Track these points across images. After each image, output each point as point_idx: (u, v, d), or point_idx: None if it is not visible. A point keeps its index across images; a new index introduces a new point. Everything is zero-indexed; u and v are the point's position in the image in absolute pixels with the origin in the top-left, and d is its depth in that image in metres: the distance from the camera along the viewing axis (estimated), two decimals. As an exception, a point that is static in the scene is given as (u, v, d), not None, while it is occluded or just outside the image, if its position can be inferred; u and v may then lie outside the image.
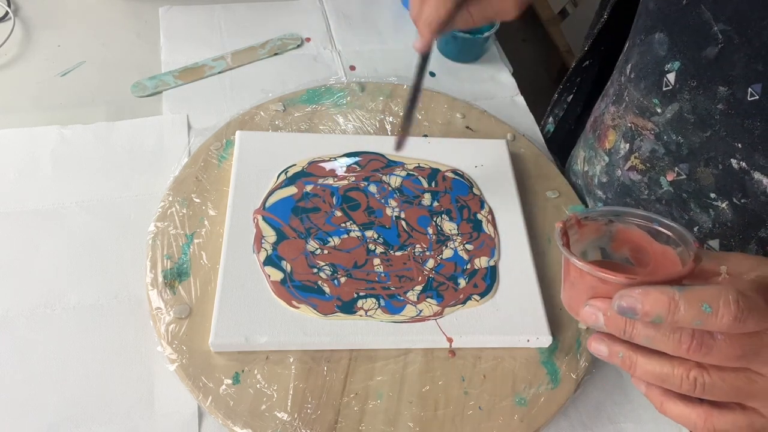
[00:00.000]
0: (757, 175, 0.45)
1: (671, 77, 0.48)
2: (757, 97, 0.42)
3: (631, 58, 0.53)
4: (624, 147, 0.55)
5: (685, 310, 0.28)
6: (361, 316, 0.49)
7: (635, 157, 0.54)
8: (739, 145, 0.45)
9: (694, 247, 0.32)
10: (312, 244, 0.52)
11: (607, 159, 0.58)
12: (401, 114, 0.66)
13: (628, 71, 0.54)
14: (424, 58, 0.49)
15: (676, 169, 0.50)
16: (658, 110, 0.50)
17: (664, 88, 0.49)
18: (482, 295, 0.51)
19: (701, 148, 0.48)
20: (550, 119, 0.76)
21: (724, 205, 0.48)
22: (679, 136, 0.49)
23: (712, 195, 0.49)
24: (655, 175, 0.53)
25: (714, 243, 0.51)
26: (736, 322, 0.28)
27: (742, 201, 0.47)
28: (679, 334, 0.29)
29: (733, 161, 0.46)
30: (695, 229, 0.51)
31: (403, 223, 0.55)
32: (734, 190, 0.47)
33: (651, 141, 0.52)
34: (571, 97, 0.72)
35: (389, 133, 0.64)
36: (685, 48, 0.46)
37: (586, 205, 0.62)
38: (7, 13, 0.71)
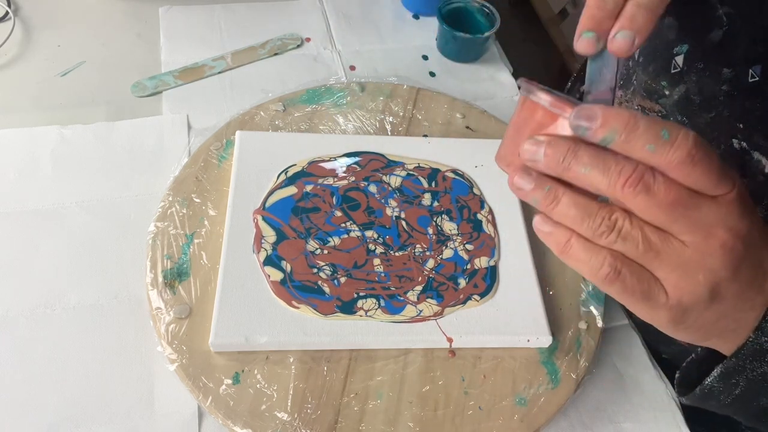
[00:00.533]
0: (756, 155, 0.45)
1: (679, 60, 0.48)
2: (757, 78, 0.42)
3: None
4: None
5: (643, 129, 0.27)
6: (361, 316, 0.49)
7: None
8: (741, 125, 0.45)
9: None
10: (312, 244, 0.52)
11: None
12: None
13: (636, 55, 0.54)
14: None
15: None
16: (666, 92, 0.50)
17: (673, 71, 0.49)
18: (482, 295, 0.51)
19: (705, 129, 0.48)
20: None
21: None
22: (685, 117, 0.49)
23: None
24: None
25: None
26: (688, 158, 0.27)
27: (743, 180, 0.47)
28: (622, 165, 0.28)
29: (735, 141, 0.46)
30: None
31: (403, 223, 0.55)
32: (734, 169, 0.47)
33: None
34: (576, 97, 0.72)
35: (389, 133, 0.64)
36: (692, 31, 0.46)
37: None
38: (7, 13, 0.71)
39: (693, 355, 0.40)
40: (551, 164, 0.30)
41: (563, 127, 0.31)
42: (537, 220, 0.31)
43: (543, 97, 0.31)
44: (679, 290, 0.30)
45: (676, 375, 0.41)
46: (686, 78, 0.48)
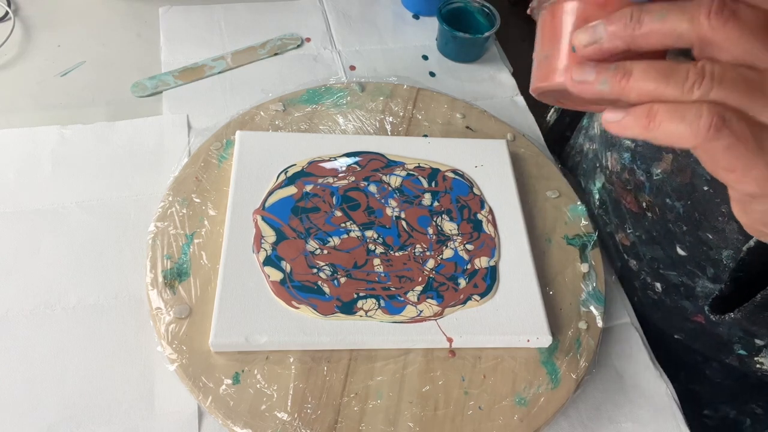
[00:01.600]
0: None
1: None
2: None
3: None
4: None
5: None
6: (361, 316, 0.49)
7: None
8: None
9: None
10: (312, 244, 0.52)
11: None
12: None
13: None
14: None
15: None
16: None
17: None
18: (482, 295, 0.51)
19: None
20: (552, 109, 0.75)
21: None
22: None
23: None
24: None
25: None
26: None
27: None
28: (698, 1, 0.24)
29: None
30: None
31: (403, 223, 0.55)
32: None
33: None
34: None
35: (389, 133, 0.64)
36: None
37: (586, 205, 0.62)
38: (7, 13, 0.71)
39: (723, 285, 0.38)
40: (618, 31, 0.26)
41: (609, 5, 0.27)
42: (606, 114, 0.27)
43: None
44: None
45: (708, 304, 0.39)
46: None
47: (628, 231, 0.58)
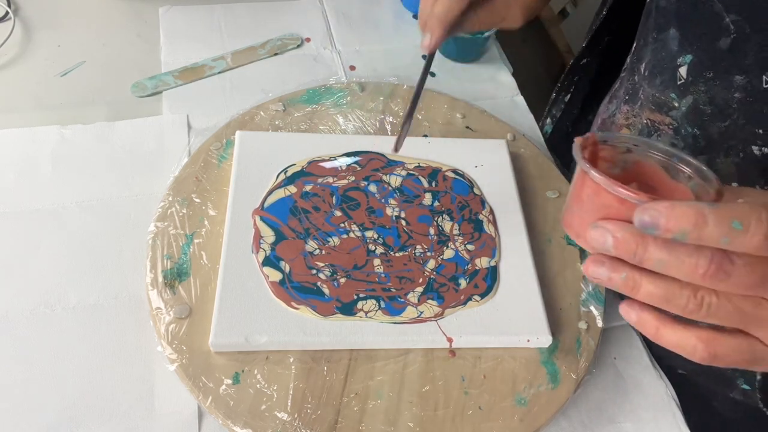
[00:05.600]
0: None
1: (683, 71, 0.48)
2: None
3: (644, 56, 0.54)
4: None
5: (713, 225, 0.26)
6: (360, 317, 0.49)
7: None
8: (760, 131, 0.44)
9: (715, 184, 0.31)
10: (311, 245, 0.52)
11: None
12: (402, 114, 0.65)
13: (642, 69, 0.54)
14: (430, 57, 0.50)
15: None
16: (676, 104, 0.50)
17: (679, 82, 0.49)
18: (483, 295, 0.51)
19: (720, 138, 0.47)
20: (548, 120, 0.75)
21: None
22: (695, 128, 0.49)
23: (734, 184, 0.48)
24: (690, 142, 0.52)
25: None
26: (766, 241, 0.26)
27: (765, 188, 0.47)
28: (696, 258, 0.27)
29: (755, 148, 0.45)
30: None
31: (404, 222, 0.55)
32: (756, 177, 0.47)
33: (670, 135, 0.52)
34: (568, 96, 0.72)
35: (389, 133, 0.64)
36: (697, 41, 0.46)
37: None
38: (7, 13, 0.71)
39: None
40: (623, 254, 0.29)
41: (629, 209, 0.29)
42: (623, 308, 0.31)
43: (598, 177, 0.30)
44: None
45: (758, 387, 0.42)
46: (693, 88, 0.48)
47: None
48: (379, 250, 0.53)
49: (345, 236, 0.53)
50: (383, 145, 0.60)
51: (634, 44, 0.56)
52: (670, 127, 0.51)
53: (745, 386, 0.54)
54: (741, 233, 0.26)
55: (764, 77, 0.42)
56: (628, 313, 0.31)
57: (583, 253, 0.57)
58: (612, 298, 0.57)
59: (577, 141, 0.34)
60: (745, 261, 0.27)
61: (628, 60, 0.58)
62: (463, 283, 0.52)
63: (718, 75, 0.45)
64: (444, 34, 0.47)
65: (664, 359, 0.55)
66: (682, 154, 0.33)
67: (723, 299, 0.28)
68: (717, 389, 0.57)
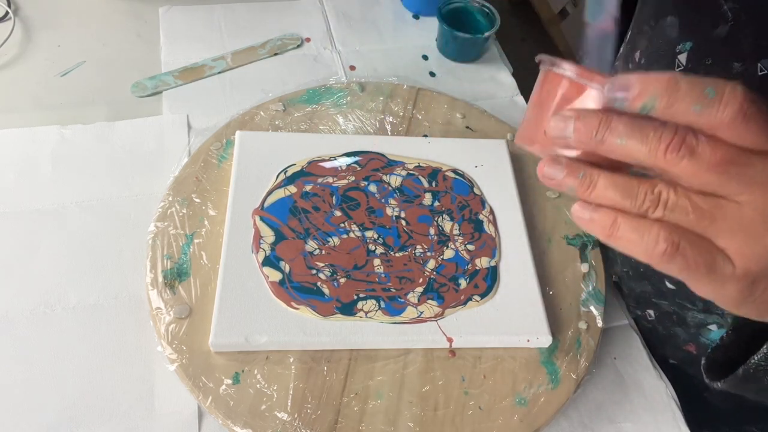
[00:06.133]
0: None
1: (682, 58, 0.48)
2: (767, 71, 0.42)
3: (639, 44, 0.54)
4: None
5: (685, 90, 0.25)
6: (360, 317, 0.49)
7: None
8: None
9: None
10: (311, 245, 0.52)
11: None
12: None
13: (636, 58, 0.54)
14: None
15: None
16: None
17: (677, 69, 0.48)
18: (483, 295, 0.51)
19: None
20: None
21: None
22: None
23: None
24: None
25: None
26: (740, 115, 0.24)
27: None
28: (661, 131, 0.26)
29: None
30: None
31: (403, 222, 0.55)
32: None
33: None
34: None
35: (389, 133, 0.64)
36: (696, 28, 0.46)
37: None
38: (7, 13, 0.71)
39: (720, 338, 0.38)
40: (583, 139, 0.28)
41: (591, 99, 0.29)
42: (576, 209, 0.29)
43: (568, 68, 0.29)
44: (745, 257, 0.27)
45: (702, 361, 0.39)
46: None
47: (617, 267, 0.59)
48: (379, 250, 0.53)
49: (345, 236, 0.53)
50: (383, 145, 0.60)
51: (629, 33, 0.56)
52: None
53: None
54: (714, 101, 0.25)
55: (759, 65, 0.42)
56: (581, 211, 0.29)
57: (582, 253, 0.57)
58: (612, 298, 0.57)
59: (539, 57, 0.33)
60: (711, 140, 0.25)
61: (622, 49, 0.58)
62: (463, 283, 0.52)
63: (717, 62, 0.45)
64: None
65: (657, 350, 0.55)
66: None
67: (681, 195, 0.27)
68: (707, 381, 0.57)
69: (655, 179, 0.27)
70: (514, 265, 0.54)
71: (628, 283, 0.58)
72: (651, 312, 0.56)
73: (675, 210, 0.27)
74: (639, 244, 0.27)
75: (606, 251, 0.59)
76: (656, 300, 0.55)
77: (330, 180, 0.57)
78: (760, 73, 0.42)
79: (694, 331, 0.53)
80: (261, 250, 0.51)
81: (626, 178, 0.27)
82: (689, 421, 0.51)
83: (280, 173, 0.56)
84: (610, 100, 0.27)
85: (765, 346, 0.33)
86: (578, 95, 0.29)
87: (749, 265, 0.27)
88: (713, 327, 0.51)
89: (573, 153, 0.30)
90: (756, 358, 0.33)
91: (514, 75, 0.76)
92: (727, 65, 0.45)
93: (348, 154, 0.59)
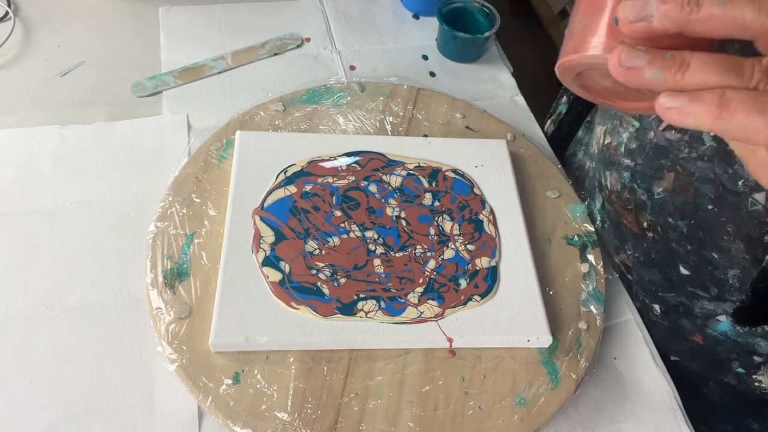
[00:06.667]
0: None
1: None
2: None
3: None
4: None
5: None
6: (361, 318, 0.49)
7: None
8: None
9: None
10: (311, 245, 0.52)
11: (637, 124, 0.55)
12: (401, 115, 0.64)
13: None
14: None
15: None
16: None
17: None
18: (483, 295, 0.51)
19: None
20: (563, 99, 0.73)
21: None
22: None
23: None
24: (697, 131, 0.47)
25: (759, 197, 0.46)
26: None
27: None
28: None
29: None
30: (740, 183, 0.45)
31: (404, 222, 0.55)
32: None
33: None
34: None
35: (389, 133, 0.64)
36: None
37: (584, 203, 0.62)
38: (7, 13, 0.71)
39: (742, 299, 0.36)
40: (672, 12, 0.23)
41: None
42: (663, 99, 0.24)
43: None
44: None
45: (731, 315, 0.38)
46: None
47: (629, 252, 0.58)
48: (379, 250, 0.53)
49: (345, 236, 0.53)
50: (383, 145, 0.60)
51: None
52: None
53: (740, 369, 0.53)
54: None
55: None
56: (673, 100, 0.24)
57: (583, 253, 0.57)
58: (612, 298, 0.57)
59: None
60: None
61: None
62: (463, 283, 0.52)
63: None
64: None
65: (658, 345, 0.55)
66: None
67: None
68: (710, 375, 0.57)
69: (759, 57, 0.23)
70: (514, 265, 0.54)
71: (638, 270, 0.57)
72: (657, 307, 0.56)
73: None
74: (760, 117, 0.22)
75: (613, 238, 0.59)
76: (663, 293, 0.55)
77: (330, 180, 0.57)
78: None
79: (701, 323, 0.53)
80: (261, 250, 0.51)
81: (725, 55, 0.23)
82: (688, 417, 0.51)
83: (280, 173, 0.56)
84: None
85: None
86: None
87: None
88: (722, 317, 0.51)
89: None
90: None
91: (514, 75, 0.76)
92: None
93: (348, 154, 0.59)
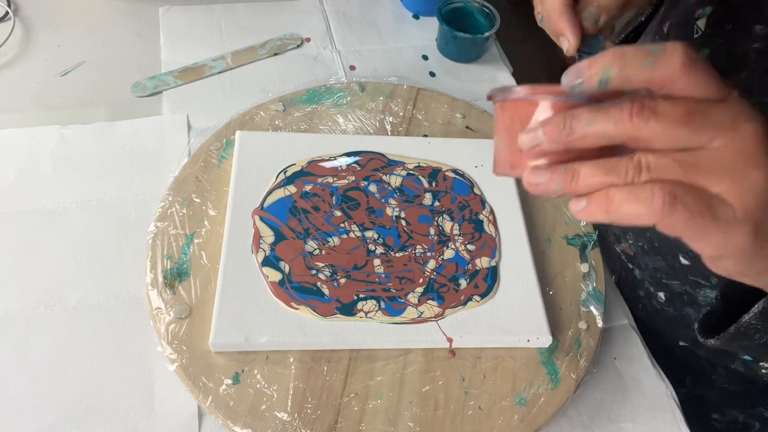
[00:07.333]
0: None
1: (701, 23, 0.48)
2: None
3: (668, 17, 0.53)
4: None
5: (632, 54, 0.27)
6: (360, 318, 0.49)
7: None
8: None
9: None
10: (311, 245, 0.52)
11: None
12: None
13: (665, 30, 0.54)
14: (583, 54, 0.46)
15: None
16: None
17: (695, 35, 0.48)
18: (483, 295, 0.51)
19: (737, 89, 0.47)
20: None
21: None
22: None
23: None
24: None
25: None
26: (687, 60, 0.26)
27: None
28: (620, 103, 0.27)
29: None
30: None
31: (404, 222, 0.55)
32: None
33: None
34: None
35: (389, 133, 0.64)
36: None
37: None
38: (7, 13, 0.71)
39: (711, 304, 0.39)
40: (555, 136, 0.29)
41: (549, 108, 0.30)
42: (571, 204, 0.30)
43: (519, 90, 0.31)
44: (739, 196, 0.27)
45: (698, 323, 0.40)
46: (711, 41, 0.47)
47: (630, 241, 0.58)
48: (379, 250, 0.53)
49: (345, 236, 0.53)
50: (383, 145, 0.60)
51: (662, 8, 0.56)
52: None
53: (747, 357, 0.54)
54: (660, 53, 0.26)
55: None
56: (577, 203, 0.30)
57: (583, 253, 0.57)
58: (612, 298, 0.57)
59: (489, 93, 0.34)
60: (669, 98, 0.27)
61: (653, 23, 0.58)
62: (463, 283, 0.52)
63: (738, 25, 0.45)
64: (569, 23, 0.43)
65: (666, 331, 0.55)
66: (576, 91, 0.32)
67: (661, 155, 0.27)
68: (718, 361, 0.57)
69: (631, 153, 0.28)
70: (514, 265, 0.54)
71: (642, 258, 0.57)
72: (662, 294, 0.56)
73: (660, 168, 0.27)
74: (638, 205, 0.27)
75: (613, 227, 0.59)
76: (667, 281, 0.55)
77: (330, 180, 0.57)
78: None
79: (704, 311, 0.53)
80: (261, 250, 0.51)
81: (606, 159, 0.29)
82: (698, 405, 0.51)
83: (280, 173, 0.56)
84: (571, 88, 0.28)
85: (756, 306, 0.35)
86: (531, 109, 0.31)
87: (746, 202, 0.27)
88: None
89: (545, 162, 0.31)
90: (747, 317, 0.36)
91: (514, 75, 0.76)
92: (748, 29, 0.44)
93: (348, 154, 0.59)
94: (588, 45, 0.43)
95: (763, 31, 0.44)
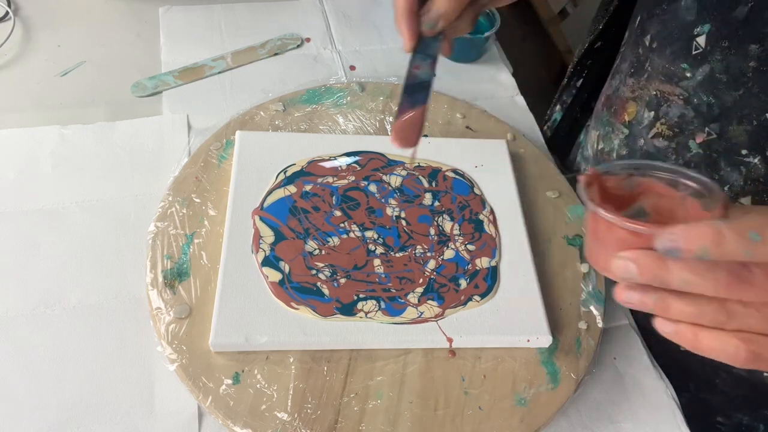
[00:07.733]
0: None
1: (701, 40, 0.48)
2: None
3: (650, 28, 0.54)
4: (648, 116, 0.56)
5: (732, 239, 0.27)
6: (361, 318, 0.49)
7: (661, 124, 0.54)
8: None
9: (721, 196, 0.31)
10: (311, 245, 0.52)
11: (626, 131, 0.58)
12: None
13: (647, 42, 0.54)
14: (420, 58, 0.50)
15: (707, 129, 0.51)
16: (688, 74, 0.50)
17: (694, 52, 0.49)
18: (483, 295, 0.51)
19: (734, 106, 0.48)
20: (558, 107, 0.75)
21: (756, 160, 0.48)
22: (711, 96, 0.49)
23: (744, 151, 0.49)
24: (683, 139, 0.53)
25: (746, 200, 0.51)
26: None
27: None
28: (715, 272, 0.28)
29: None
30: (726, 188, 0.51)
31: (404, 222, 0.55)
32: (767, 143, 0.47)
33: (679, 106, 0.52)
34: (580, 81, 0.72)
35: (389, 133, 0.64)
36: (714, 10, 0.47)
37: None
38: (7, 13, 0.71)
39: None
40: (648, 279, 0.30)
41: (643, 240, 0.31)
42: (658, 323, 0.32)
43: (611, 216, 0.32)
44: None
45: None
46: (710, 57, 0.48)
47: None
48: (379, 250, 0.53)
49: (345, 236, 0.53)
50: (383, 145, 0.60)
51: (638, 18, 0.56)
52: (681, 97, 0.51)
53: None
54: (760, 244, 0.27)
55: None
56: (663, 325, 0.32)
57: (582, 253, 0.57)
58: (612, 299, 0.57)
59: (581, 180, 0.35)
60: (762, 269, 0.28)
61: (627, 34, 0.58)
62: (463, 283, 0.52)
63: (734, 44, 0.46)
64: (408, 26, 0.46)
65: (667, 337, 0.55)
66: (685, 170, 0.33)
67: (750, 307, 0.29)
68: (721, 365, 0.57)
69: (723, 299, 0.30)
70: (514, 265, 0.54)
71: None
72: None
73: (747, 320, 0.30)
74: (722, 353, 0.30)
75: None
76: None
77: (330, 180, 0.57)
78: None
79: None
80: (261, 250, 0.51)
81: (696, 300, 0.30)
82: (702, 409, 0.51)
83: (279, 173, 0.56)
84: (666, 253, 0.29)
85: None
86: (629, 234, 0.31)
87: None
88: None
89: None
90: None
91: (514, 75, 0.76)
92: (744, 48, 0.45)
93: (348, 154, 0.59)
94: (424, 46, 0.49)
95: (759, 50, 0.44)
